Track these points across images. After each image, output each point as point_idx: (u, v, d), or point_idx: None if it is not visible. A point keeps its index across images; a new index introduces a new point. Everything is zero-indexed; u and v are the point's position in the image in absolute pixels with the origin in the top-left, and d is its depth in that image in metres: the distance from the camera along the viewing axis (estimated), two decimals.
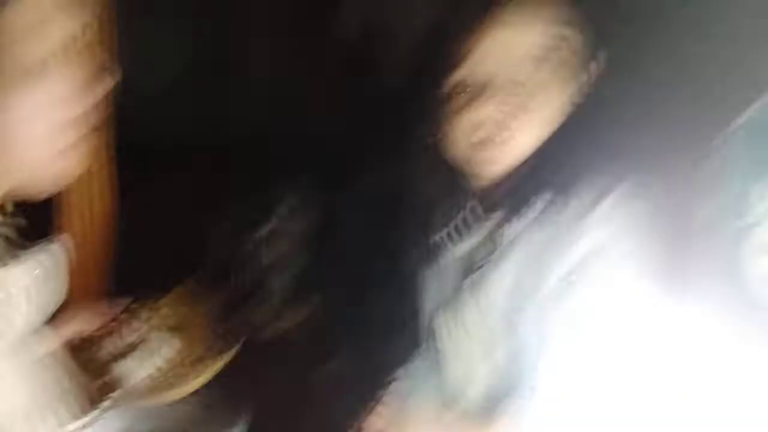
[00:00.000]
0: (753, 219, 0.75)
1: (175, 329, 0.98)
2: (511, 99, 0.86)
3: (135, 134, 1.15)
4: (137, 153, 1.22)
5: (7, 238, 0.72)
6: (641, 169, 0.88)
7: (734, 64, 0.95)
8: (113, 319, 0.95)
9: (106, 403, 0.87)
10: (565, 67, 0.87)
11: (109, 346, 0.93)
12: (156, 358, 0.95)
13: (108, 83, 0.69)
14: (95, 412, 0.85)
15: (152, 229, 1.28)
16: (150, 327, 0.96)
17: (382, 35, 1.32)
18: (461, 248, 0.95)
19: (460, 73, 0.88)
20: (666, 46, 1.04)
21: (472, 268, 0.93)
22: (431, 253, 0.97)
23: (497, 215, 0.92)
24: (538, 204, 0.90)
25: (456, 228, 0.95)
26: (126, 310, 0.97)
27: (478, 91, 0.87)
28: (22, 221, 0.73)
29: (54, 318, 0.81)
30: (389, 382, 0.98)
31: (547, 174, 0.89)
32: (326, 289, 1.20)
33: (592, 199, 0.87)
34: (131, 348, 0.94)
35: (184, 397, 0.98)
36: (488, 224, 0.93)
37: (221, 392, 1.06)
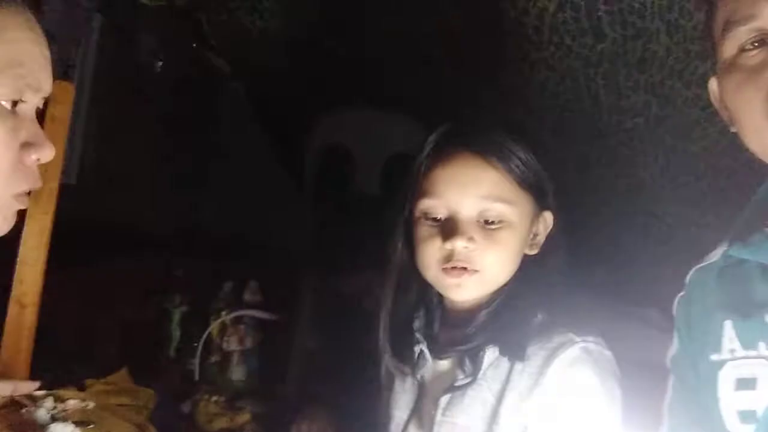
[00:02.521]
0: (727, 354, 0.73)
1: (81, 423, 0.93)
2: (476, 233, 0.86)
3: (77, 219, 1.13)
4: (79, 237, 1.19)
5: None
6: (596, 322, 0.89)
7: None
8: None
9: None
10: (517, 223, 0.88)
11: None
12: None
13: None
14: None
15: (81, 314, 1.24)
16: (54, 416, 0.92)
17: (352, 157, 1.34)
18: (436, 367, 0.93)
19: (427, 203, 0.89)
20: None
21: (447, 389, 0.89)
22: (403, 368, 0.95)
23: (474, 341, 0.89)
24: (488, 357, 0.88)
25: (430, 347, 0.93)
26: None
27: (445, 222, 0.87)
28: None
29: None
30: None
31: (496, 330, 0.87)
32: (287, 386, 1.17)
33: (544, 359, 0.84)
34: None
35: None
36: (464, 348, 0.89)
37: None
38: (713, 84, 0.76)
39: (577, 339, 0.83)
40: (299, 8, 1.41)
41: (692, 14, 1.06)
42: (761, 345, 0.69)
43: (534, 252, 0.91)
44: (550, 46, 1.16)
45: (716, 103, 0.77)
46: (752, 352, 0.70)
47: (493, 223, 0.86)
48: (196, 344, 1.39)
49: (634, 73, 1.15)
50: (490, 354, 0.87)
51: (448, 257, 0.86)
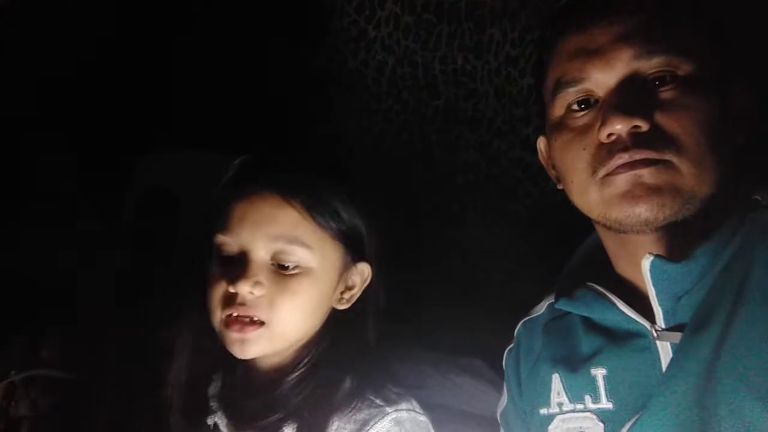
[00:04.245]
0: (555, 408, 0.75)
1: None
2: (266, 278, 0.77)
3: None
4: None
5: None
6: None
7: None
8: None
9: None
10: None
11: None
12: None
13: None
14: None
15: None
16: None
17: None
18: None
19: (220, 238, 0.80)
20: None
21: None
22: None
23: (273, 415, 0.78)
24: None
25: (230, 415, 0.81)
26: None
27: (236, 263, 0.78)
28: None
29: None
30: None
31: (298, 404, 0.77)
32: None
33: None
34: None
35: None
36: (260, 424, 0.78)
37: None
38: (541, 143, 0.79)
39: (389, 410, 0.76)
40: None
41: (518, 81, 1.14)
42: (587, 398, 0.71)
43: (345, 307, 0.83)
44: (388, 99, 1.18)
45: (543, 161, 0.80)
46: (579, 405, 0.72)
47: (288, 268, 0.77)
48: None
49: (465, 132, 1.21)
50: (291, 430, 0.77)
51: (232, 303, 0.77)
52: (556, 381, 0.74)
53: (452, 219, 1.34)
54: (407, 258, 1.20)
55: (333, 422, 0.76)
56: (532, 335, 0.82)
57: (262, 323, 0.76)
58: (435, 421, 0.82)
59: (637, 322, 0.68)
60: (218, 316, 0.78)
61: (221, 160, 0.92)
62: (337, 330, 0.82)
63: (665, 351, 0.66)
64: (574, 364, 0.73)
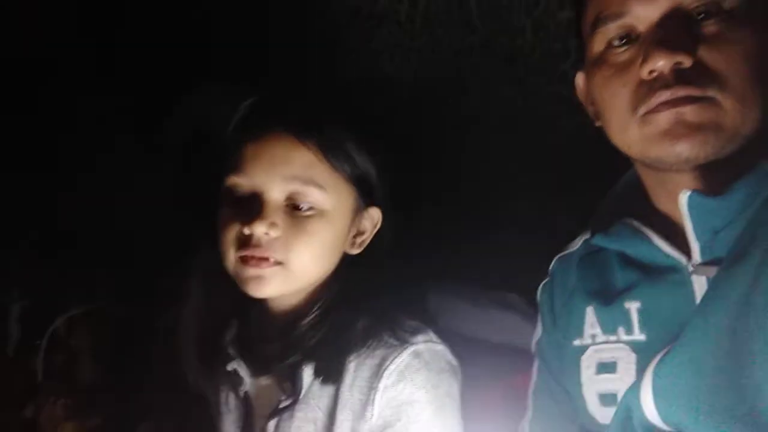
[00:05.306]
0: (588, 339, 0.77)
1: None
2: (281, 219, 0.77)
3: None
4: None
5: None
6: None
7: None
8: None
9: None
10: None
11: None
12: None
13: None
14: None
15: None
16: None
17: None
18: (259, 383, 0.83)
19: (232, 179, 0.79)
20: None
21: (273, 410, 0.80)
22: (219, 385, 0.84)
23: (290, 357, 0.80)
24: (308, 375, 0.80)
25: (249, 361, 0.83)
26: None
27: (249, 204, 0.78)
28: None
29: None
30: None
31: (313, 346, 0.79)
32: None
33: (372, 372, 0.78)
34: None
35: None
36: (279, 366, 0.80)
37: None
38: (579, 79, 0.79)
39: (406, 343, 0.78)
40: None
41: (555, 14, 1.12)
42: (621, 330, 0.73)
43: (357, 251, 0.83)
44: (422, 35, 1.17)
45: (582, 98, 0.80)
46: (612, 337, 0.74)
47: (302, 209, 0.77)
48: (39, 342, 1.26)
49: (502, 68, 1.19)
50: (310, 371, 0.79)
51: (247, 244, 0.76)
52: (590, 313, 0.76)
53: (488, 155, 1.34)
54: (445, 197, 1.21)
55: (350, 362, 0.78)
56: (566, 270, 0.83)
57: (279, 263, 0.77)
58: (471, 354, 0.86)
59: (672, 257, 0.69)
60: (232, 256, 0.78)
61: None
62: (349, 273, 0.82)
63: (700, 285, 0.67)
64: (608, 297, 0.75)
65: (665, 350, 0.67)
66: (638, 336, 0.72)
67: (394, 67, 1.27)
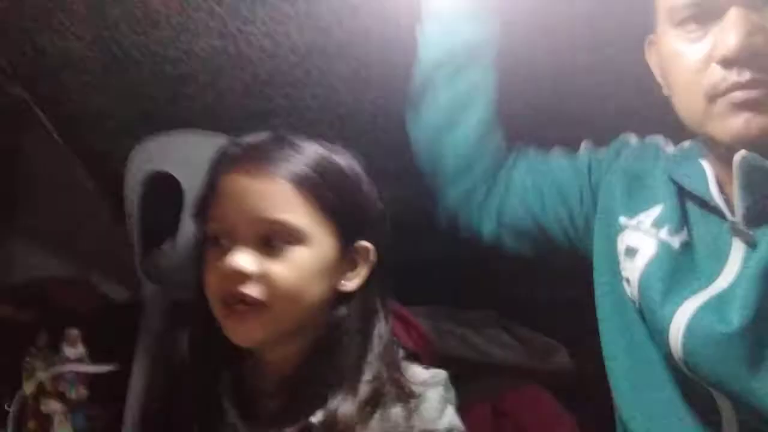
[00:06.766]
0: (634, 222, 0.81)
1: None
2: (260, 254, 0.75)
3: None
4: None
5: None
6: None
7: None
8: None
9: None
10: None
11: None
12: None
13: None
14: None
15: None
16: None
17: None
18: None
19: (211, 224, 0.78)
20: None
21: None
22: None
23: (298, 420, 0.74)
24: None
25: (245, 415, 0.79)
26: None
27: (226, 243, 0.76)
28: None
29: None
30: None
31: (320, 396, 0.75)
32: None
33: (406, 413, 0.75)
34: None
35: None
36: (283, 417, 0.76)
37: None
38: (651, 47, 0.80)
39: (432, 381, 0.78)
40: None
41: None
42: (666, 228, 0.77)
43: (351, 287, 0.79)
44: None
45: (651, 63, 0.81)
46: (653, 230, 0.79)
47: (277, 245, 0.75)
48: (7, 408, 1.21)
49: None
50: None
51: (229, 284, 0.74)
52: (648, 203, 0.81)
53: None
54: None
55: (365, 412, 0.75)
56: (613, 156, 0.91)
57: (262, 304, 0.74)
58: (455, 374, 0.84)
59: (719, 208, 0.72)
60: (217, 303, 0.76)
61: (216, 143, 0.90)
62: (344, 313, 0.79)
63: (738, 245, 0.70)
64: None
65: (701, 300, 0.70)
66: (674, 240, 0.75)
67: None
